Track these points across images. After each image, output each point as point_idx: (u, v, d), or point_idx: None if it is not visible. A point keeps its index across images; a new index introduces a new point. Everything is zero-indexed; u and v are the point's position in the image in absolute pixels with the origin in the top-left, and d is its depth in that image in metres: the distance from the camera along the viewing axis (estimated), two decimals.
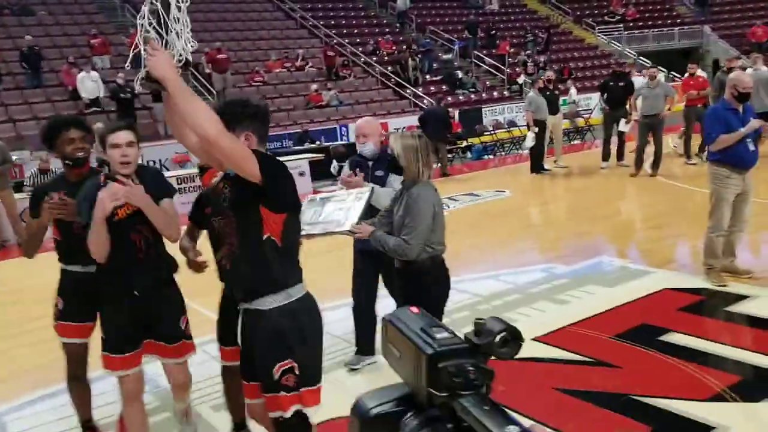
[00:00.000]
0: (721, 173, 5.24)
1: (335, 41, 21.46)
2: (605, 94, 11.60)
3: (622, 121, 11.28)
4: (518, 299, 5.59)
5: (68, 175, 3.45)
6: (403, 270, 3.37)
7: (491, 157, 15.74)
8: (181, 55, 2.28)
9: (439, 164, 12.66)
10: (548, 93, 12.01)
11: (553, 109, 12.02)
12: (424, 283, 3.29)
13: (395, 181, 3.76)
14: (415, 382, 1.03)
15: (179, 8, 2.24)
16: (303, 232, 2.97)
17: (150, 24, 2.22)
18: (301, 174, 12.25)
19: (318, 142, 15.40)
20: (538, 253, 7.29)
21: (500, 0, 27.99)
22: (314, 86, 18.64)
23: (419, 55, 21.19)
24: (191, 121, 2.20)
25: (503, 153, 15.83)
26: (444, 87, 21.06)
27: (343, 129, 16.62)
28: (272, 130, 15.54)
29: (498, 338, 1.01)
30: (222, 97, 17.07)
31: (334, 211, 3.33)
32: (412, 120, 18.08)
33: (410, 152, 3.26)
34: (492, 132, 16.80)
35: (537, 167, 12.04)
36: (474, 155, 15.75)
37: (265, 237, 2.41)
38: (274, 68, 19.41)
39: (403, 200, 3.30)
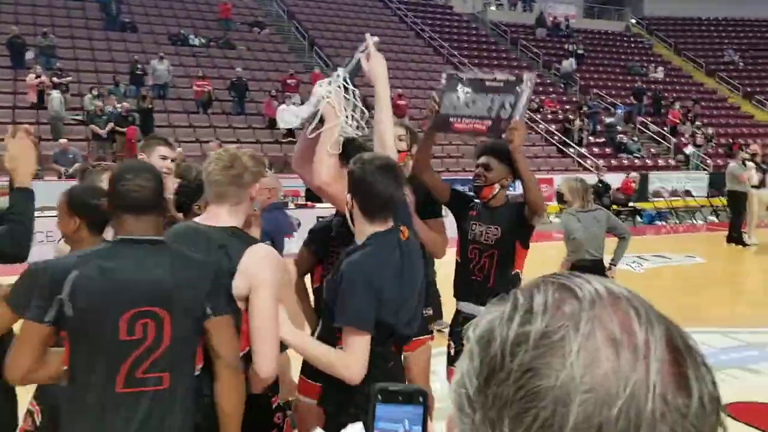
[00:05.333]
0: None
1: None
2: None
3: None
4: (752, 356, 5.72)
5: None
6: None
7: (664, 224, 15.55)
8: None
9: None
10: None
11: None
12: None
13: None
14: None
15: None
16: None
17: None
18: None
19: None
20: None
21: (665, 69, 27.74)
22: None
23: (586, 117, 21.38)
24: (316, 160, 2.54)
25: (677, 222, 15.60)
26: (607, 150, 21.08)
27: None
28: (448, 174, 16.29)
29: None
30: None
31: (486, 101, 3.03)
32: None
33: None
34: (667, 199, 16.62)
35: (735, 238, 11.75)
36: (645, 220, 15.61)
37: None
38: None
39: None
